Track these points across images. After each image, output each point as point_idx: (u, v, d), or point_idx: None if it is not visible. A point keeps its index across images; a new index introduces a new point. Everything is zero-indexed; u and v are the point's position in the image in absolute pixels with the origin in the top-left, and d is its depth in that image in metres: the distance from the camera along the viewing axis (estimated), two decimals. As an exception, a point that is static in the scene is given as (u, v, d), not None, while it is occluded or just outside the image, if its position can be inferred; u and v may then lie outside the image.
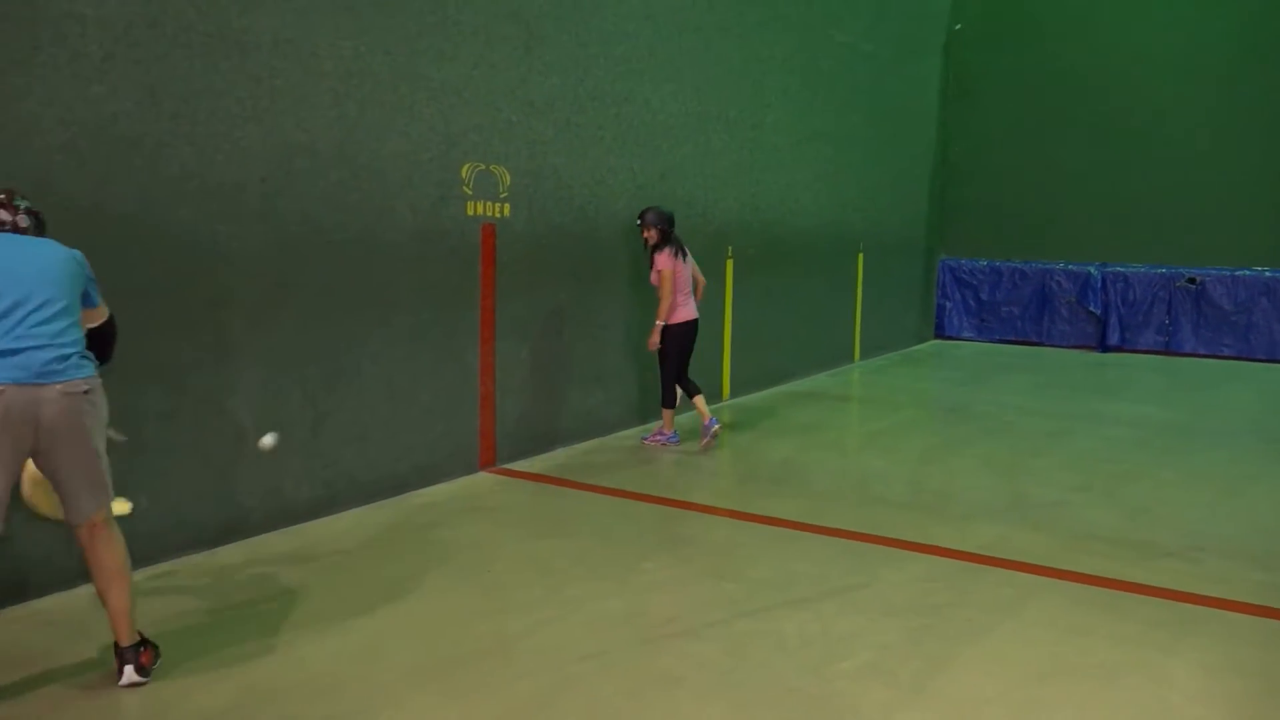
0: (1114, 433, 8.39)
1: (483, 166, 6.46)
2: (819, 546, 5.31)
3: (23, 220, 3.55)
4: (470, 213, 6.39)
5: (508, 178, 6.66)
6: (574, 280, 7.35)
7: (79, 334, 3.51)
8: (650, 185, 8.09)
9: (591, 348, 7.60)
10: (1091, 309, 13.85)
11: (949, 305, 14.89)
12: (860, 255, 12.12)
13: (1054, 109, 14.14)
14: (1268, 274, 12.96)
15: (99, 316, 3.74)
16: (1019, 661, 3.93)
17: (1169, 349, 13.48)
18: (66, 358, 3.39)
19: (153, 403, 4.70)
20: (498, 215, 6.60)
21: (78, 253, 3.59)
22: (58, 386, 3.34)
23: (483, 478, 6.51)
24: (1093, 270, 13.84)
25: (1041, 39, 14.28)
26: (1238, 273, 13.13)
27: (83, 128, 4.36)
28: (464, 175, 6.32)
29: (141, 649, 3.61)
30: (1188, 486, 6.71)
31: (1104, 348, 13.77)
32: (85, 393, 3.42)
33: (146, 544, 4.71)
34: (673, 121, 8.34)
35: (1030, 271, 14.31)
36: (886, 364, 12.44)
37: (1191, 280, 13.34)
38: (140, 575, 4.62)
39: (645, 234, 7.25)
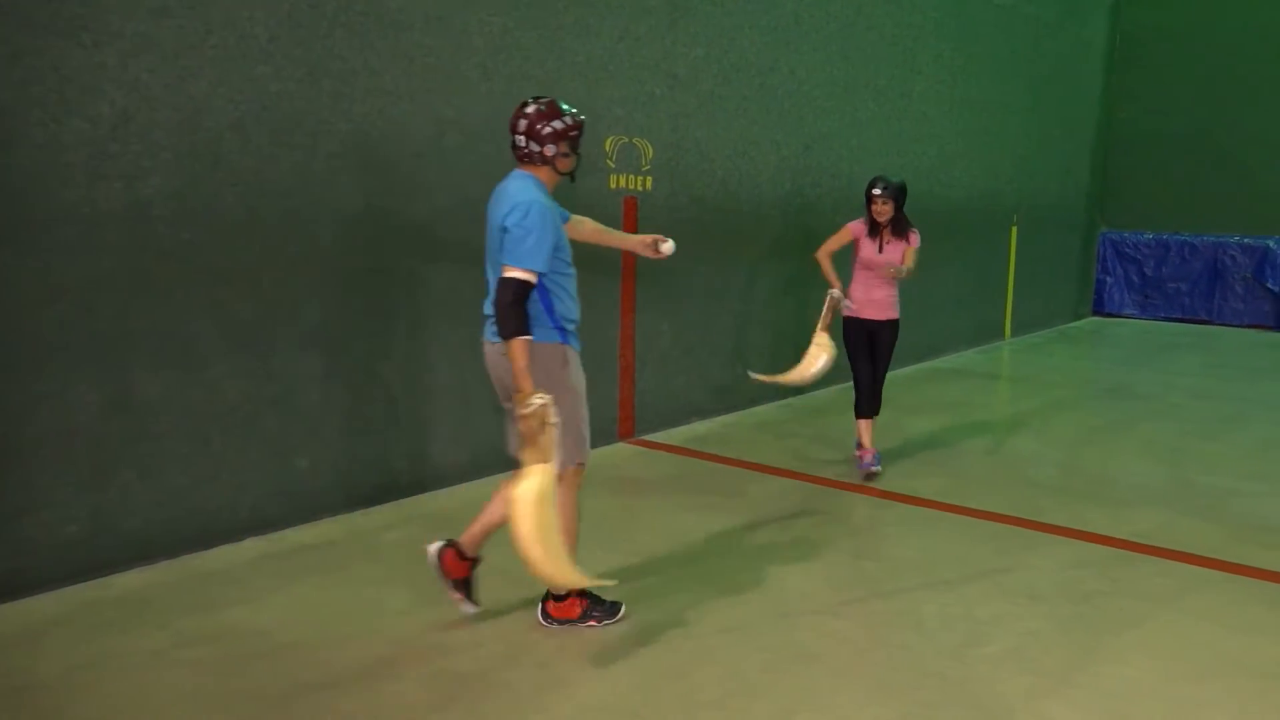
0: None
1: (626, 140, 6.49)
2: (963, 528, 5.16)
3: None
4: (613, 186, 6.44)
5: (650, 151, 6.67)
6: (715, 254, 7.32)
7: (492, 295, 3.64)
8: (794, 157, 7.97)
9: (730, 322, 7.57)
10: (1270, 285, 12.90)
11: (1109, 280, 14.15)
12: (1014, 228, 11.64)
13: (1230, 69, 13.18)
14: None
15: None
16: (1175, 656, 3.73)
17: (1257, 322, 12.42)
18: (487, 317, 3.75)
19: (313, 368, 4.94)
20: (640, 189, 6.63)
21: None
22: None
23: (622, 448, 6.59)
24: (1272, 244, 12.88)
25: (1219, -4, 13.32)
26: None
27: (249, 107, 4.59)
28: (607, 148, 6.37)
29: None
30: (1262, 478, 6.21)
31: (1279, 327, 12.84)
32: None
33: (306, 502, 4.98)
34: (818, 91, 8.17)
35: (1200, 245, 13.44)
36: (1040, 341, 11.94)
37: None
38: (301, 531, 4.89)
39: (882, 207, 5.86)
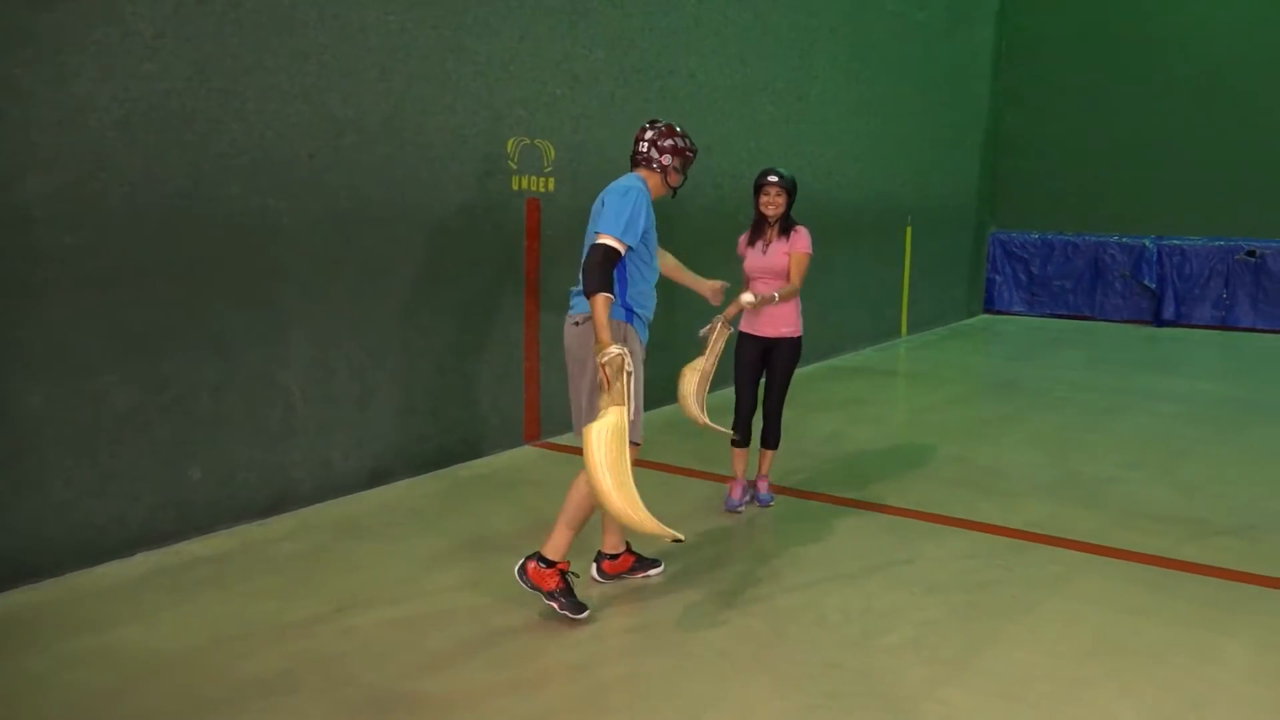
0: (1168, 409, 8.23)
1: (527, 141, 6.47)
2: (863, 522, 5.29)
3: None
4: (515, 187, 6.41)
5: (552, 152, 6.66)
6: (619, 254, 7.33)
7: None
8: (695, 159, 8.03)
9: (636, 322, 7.60)
10: (1146, 283, 13.56)
11: (999, 279, 14.67)
12: (909, 228, 11.97)
13: (1110, 77, 13.81)
14: (1332, 246, 12.59)
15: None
16: (1065, 639, 3.89)
17: (1226, 324, 13.17)
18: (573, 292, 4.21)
19: (207, 374, 4.79)
20: (542, 190, 6.61)
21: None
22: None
23: (527, 451, 6.57)
24: (1148, 243, 13.54)
25: (1097, 5, 13.93)
26: (1300, 245, 12.77)
27: (135, 105, 4.43)
28: (509, 150, 6.34)
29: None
30: (1243, 464, 6.57)
31: (1159, 322, 13.49)
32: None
33: (200, 513, 4.83)
34: (718, 94, 8.27)
35: (1083, 244, 14.04)
36: (935, 339, 12.30)
37: (1251, 253, 13.00)
38: (192, 544, 4.74)
39: (775, 198, 5.34)
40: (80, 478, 4.36)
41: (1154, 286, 13.52)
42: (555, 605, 3.94)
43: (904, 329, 12.19)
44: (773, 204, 5.33)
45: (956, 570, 4.60)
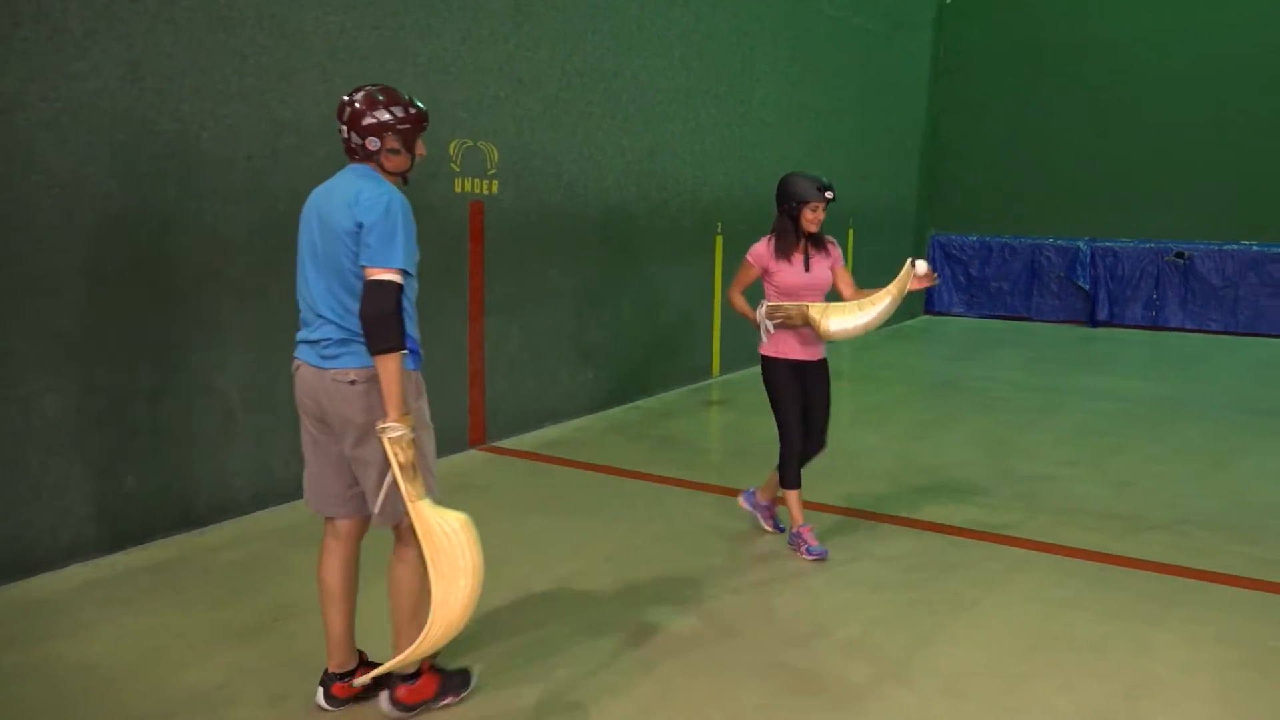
0: (1102, 407, 8.43)
1: (470, 143, 6.43)
2: (809, 521, 5.32)
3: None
4: (458, 190, 6.36)
5: (495, 154, 6.62)
6: (562, 257, 7.33)
7: None
8: (639, 162, 8.07)
9: (580, 325, 7.60)
10: (1081, 283, 13.88)
11: (939, 281, 14.89)
12: (850, 231, 12.11)
13: (1044, 83, 14.11)
14: (1255, 248, 13.00)
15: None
16: (1005, 634, 3.96)
17: (1157, 324, 13.53)
18: (309, 342, 3.22)
19: (141, 381, 4.68)
20: (485, 192, 6.57)
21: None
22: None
23: (472, 455, 6.52)
24: (1082, 245, 13.86)
25: (1032, 12, 14.24)
26: (1225, 247, 13.17)
27: (65, 104, 4.32)
28: (451, 152, 6.29)
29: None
30: (1175, 460, 6.75)
31: (1093, 322, 13.82)
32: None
33: (136, 523, 4.72)
34: (661, 97, 8.30)
35: (1020, 247, 14.32)
36: (877, 340, 12.46)
37: (1180, 255, 13.37)
38: (128, 555, 4.63)
39: (821, 214, 4.81)
40: (10, 488, 4.24)
41: (1088, 287, 13.84)
42: (450, 699, 3.34)
43: (846, 330, 12.31)
44: (818, 219, 4.75)
45: (900, 568, 4.66)
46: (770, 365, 4.84)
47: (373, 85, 3.20)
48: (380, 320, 2.93)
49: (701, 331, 9.18)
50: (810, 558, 4.71)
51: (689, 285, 8.92)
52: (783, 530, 5.06)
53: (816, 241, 4.84)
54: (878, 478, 6.22)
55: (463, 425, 6.57)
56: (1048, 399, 8.80)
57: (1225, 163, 13.10)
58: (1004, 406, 8.45)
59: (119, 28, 4.49)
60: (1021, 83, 14.27)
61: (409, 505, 2.99)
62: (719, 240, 9.21)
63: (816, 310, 4.68)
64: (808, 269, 4.78)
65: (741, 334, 9.77)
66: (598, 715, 3.31)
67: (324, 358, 3.11)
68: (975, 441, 7.22)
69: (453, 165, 6.30)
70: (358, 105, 3.12)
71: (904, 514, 5.45)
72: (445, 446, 6.40)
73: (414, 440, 2.97)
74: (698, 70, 8.76)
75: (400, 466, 2.94)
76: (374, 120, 3.10)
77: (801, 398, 4.81)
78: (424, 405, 3.20)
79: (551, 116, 7.10)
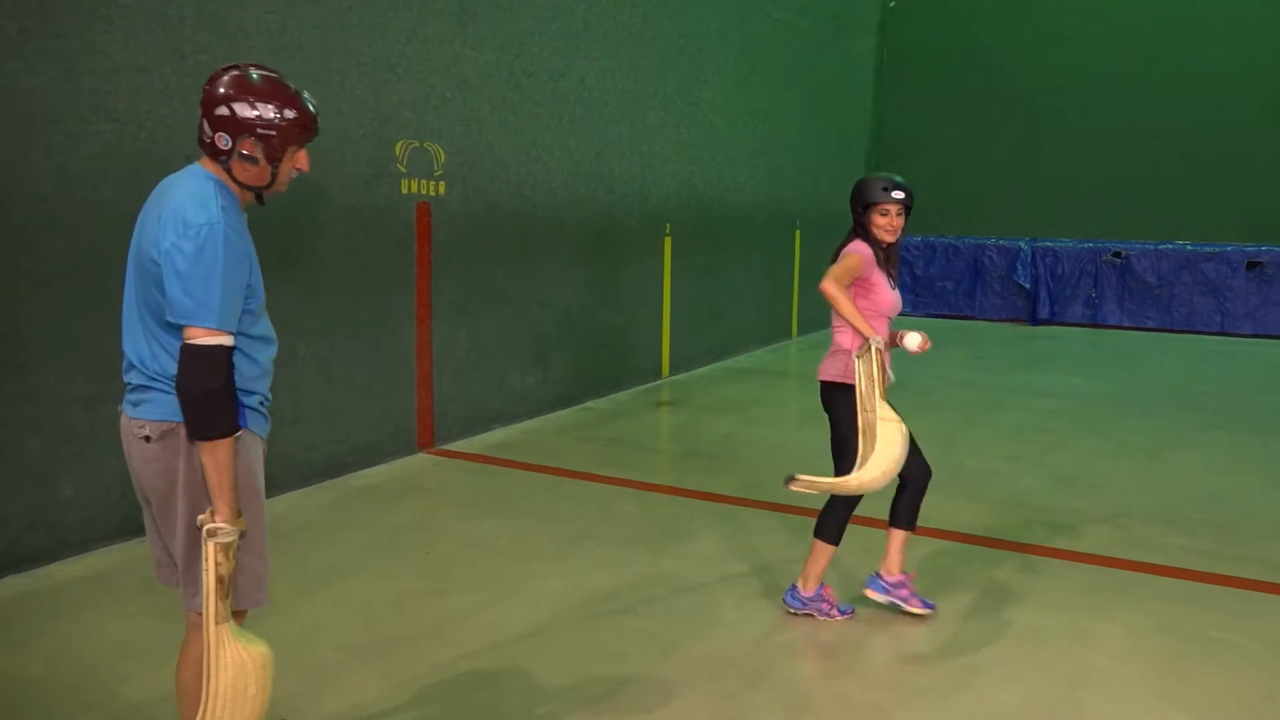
0: (1044, 404, 8.59)
1: (417, 144, 6.37)
2: (758, 520, 5.36)
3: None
4: (404, 191, 6.31)
5: (442, 155, 6.58)
6: (511, 259, 7.30)
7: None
8: (587, 163, 8.06)
9: (529, 327, 7.57)
10: (1022, 283, 14.14)
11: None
12: (797, 232, 12.22)
13: (986, 87, 14.36)
14: (1189, 248, 13.34)
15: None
16: (951, 629, 4.02)
17: (1095, 321, 13.83)
18: (133, 386, 2.58)
19: (80, 387, 4.58)
20: (433, 193, 6.52)
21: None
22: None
23: (421, 458, 6.47)
24: (1023, 245, 14.12)
25: (974, 17, 14.49)
26: (1160, 247, 13.50)
27: (-3, 104, 4.21)
28: (398, 153, 6.23)
29: None
30: (1114, 455, 6.90)
31: (1034, 321, 14.08)
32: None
33: (76, 532, 4.61)
34: (609, 98, 8.30)
35: (963, 247, 14.55)
36: (824, 339, 12.54)
37: (1117, 255, 13.68)
38: (66, 565, 4.52)
39: (898, 219, 4.05)
40: (-60, 498, 4.11)
41: (1029, 287, 14.11)
42: None
43: (794, 330, 12.42)
44: (894, 227, 4.01)
45: (848, 566, 4.71)
46: (848, 396, 4.02)
47: (256, 67, 2.49)
48: (204, 399, 2.32)
49: (651, 332, 9.20)
50: (924, 610, 4.09)
51: (638, 286, 8.93)
52: (934, 606, 4.14)
53: (890, 256, 4.08)
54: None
55: (410, 428, 6.51)
56: (991, 396, 8.95)
57: (1160, 165, 13.44)
58: (949, 404, 8.58)
59: (53, 25, 4.39)
60: (963, 86, 14.51)
61: (210, 627, 2.40)
62: (668, 241, 9.23)
63: (886, 436, 3.85)
64: (893, 288, 4.07)
65: (691, 334, 9.83)
66: (557, 716, 3.30)
67: (129, 402, 2.53)
68: (921, 439, 7.26)
69: (399, 166, 6.24)
70: (219, 88, 2.44)
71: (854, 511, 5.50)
72: (393, 450, 6.36)
73: (236, 548, 2.41)
74: (645, 72, 8.77)
75: (218, 579, 2.37)
76: (228, 113, 2.42)
77: None
78: (258, 476, 2.59)
79: (499, 117, 7.07)
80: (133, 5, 4.68)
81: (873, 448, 3.80)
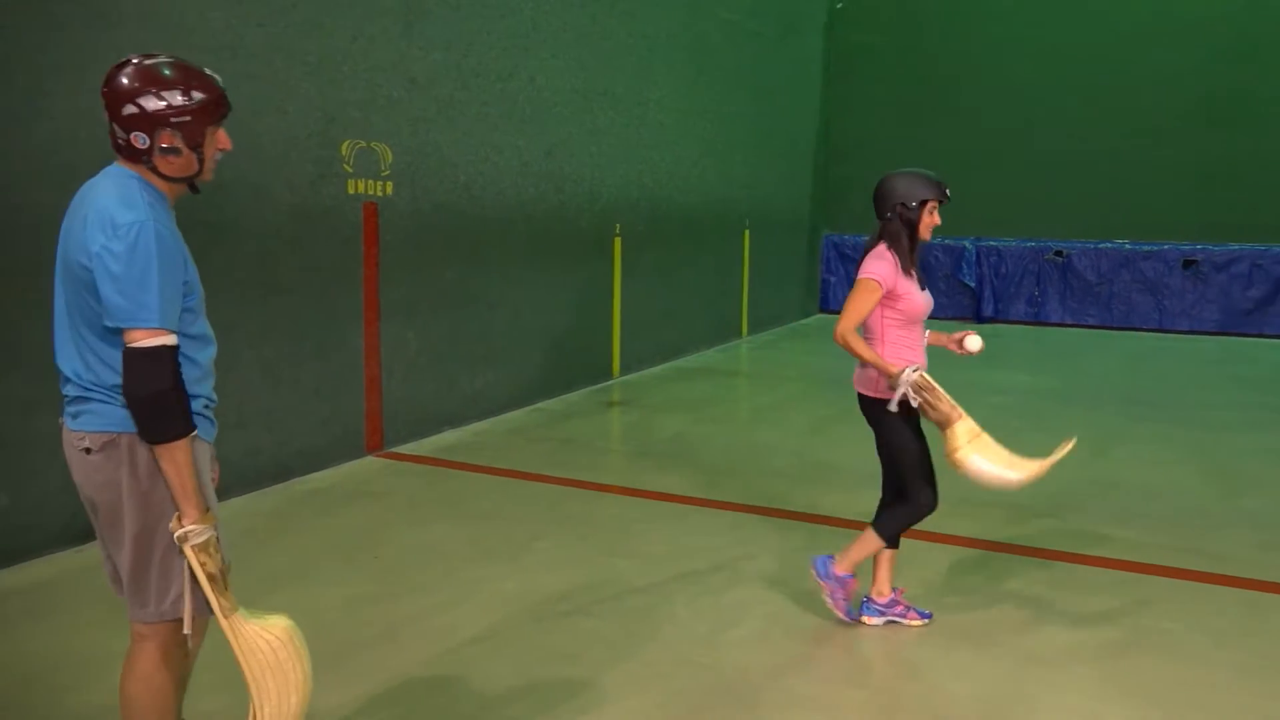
0: (988, 400, 8.72)
1: (363, 144, 6.31)
2: (709, 520, 5.39)
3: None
4: (351, 191, 6.24)
5: (389, 155, 6.52)
6: (460, 259, 7.25)
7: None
8: (536, 163, 8.04)
9: (480, 328, 7.53)
10: (967, 281, 14.36)
11: (833, 280, 15.25)
12: (746, 232, 12.28)
13: (931, 88, 14.55)
14: (1128, 247, 13.65)
15: None
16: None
17: (1038, 319, 14.10)
18: (70, 399, 2.50)
19: (15, 392, 4.46)
20: (380, 194, 6.46)
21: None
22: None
23: (370, 462, 6.40)
24: (968, 245, 14.35)
25: (919, 19, 14.67)
26: (1100, 246, 13.79)
27: (-74, 102, 4.10)
28: (344, 153, 6.17)
29: None
30: (1053, 450, 7.02)
31: (979, 318, 14.31)
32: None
33: (11, 540, 4.49)
34: (558, 98, 8.28)
35: (910, 246, 14.73)
36: (774, 338, 12.67)
37: (1058, 254, 13.96)
38: (3, 575, 4.41)
39: (938, 216, 4.12)
40: None
41: (974, 285, 14.34)
42: None
43: (744, 329, 12.50)
44: (935, 225, 4.07)
45: (799, 563, 4.74)
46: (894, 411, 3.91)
47: (148, 56, 2.39)
48: (154, 402, 2.26)
49: (602, 332, 9.20)
50: (922, 621, 4.04)
51: (588, 286, 8.93)
52: (855, 619, 4.06)
53: (916, 256, 4.00)
54: (776, 474, 6.32)
55: (359, 431, 6.44)
56: (938, 394, 9.07)
57: (1099, 166, 13.72)
58: (897, 402, 8.67)
59: (-15, 21, 4.28)
60: (909, 87, 14.69)
61: (222, 621, 2.42)
62: (618, 241, 9.23)
63: (965, 431, 3.83)
64: (924, 289, 3.98)
65: (642, 334, 9.84)
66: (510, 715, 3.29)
67: (69, 415, 2.45)
68: (868, 436, 7.38)
69: (345, 166, 6.18)
70: (119, 86, 2.33)
71: (802, 509, 5.56)
72: (342, 454, 6.29)
73: (218, 541, 2.41)
74: (594, 71, 8.77)
75: (209, 577, 2.36)
76: (137, 110, 2.33)
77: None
78: (208, 478, 2.54)
79: (447, 117, 7.02)
80: (72, 2, 4.58)
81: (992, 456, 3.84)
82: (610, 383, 9.22)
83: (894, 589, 4.10)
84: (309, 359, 6.01)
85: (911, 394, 3.79)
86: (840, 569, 4.00)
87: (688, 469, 6.41)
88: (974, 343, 3.99)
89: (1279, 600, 4.37)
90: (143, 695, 2.51)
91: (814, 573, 4.05)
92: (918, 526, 5.13)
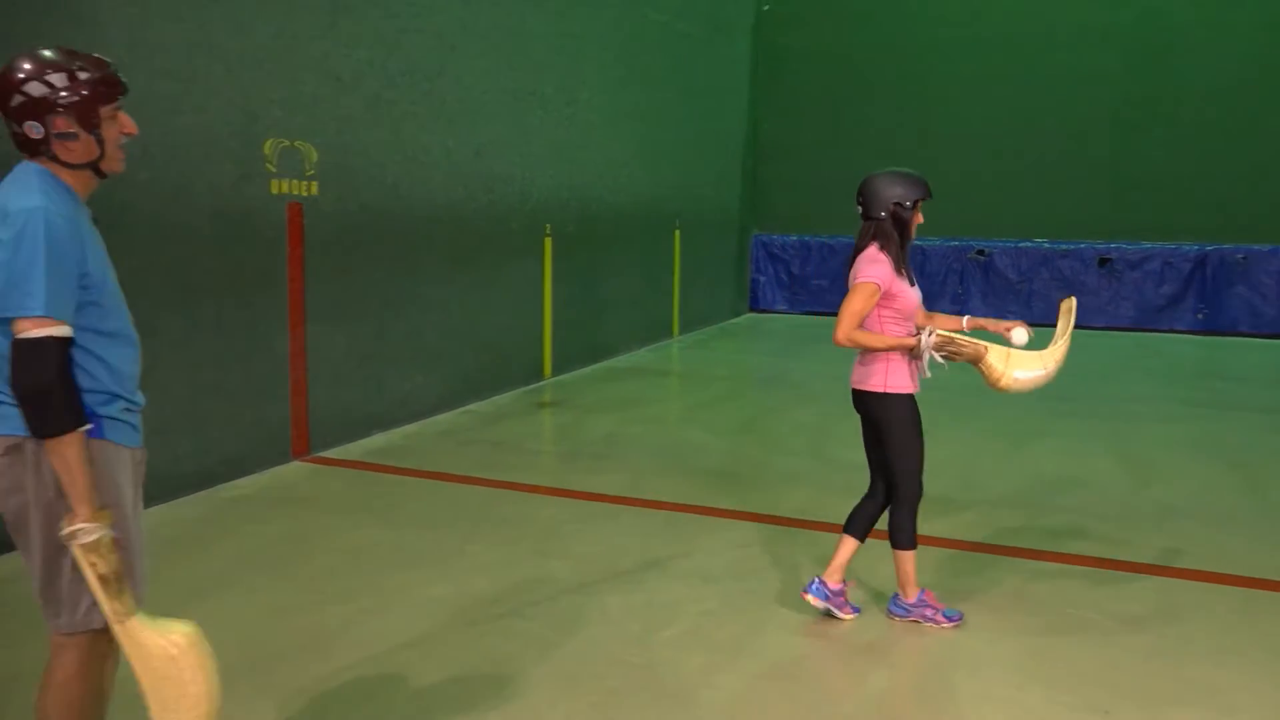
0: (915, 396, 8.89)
1: (287, 143, 6.20)
2: (641, 519, 5.41)
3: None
4: (275, 191, 6.12)
5: (314, 155, 6.41)
6: (388, 260, 7.16)
7: None
8: (465, 163, 7.98)
9: (408, 330, 7.45)
10: (893, 281, 14.61)
11: (762, 279, 15.40)
12: (677, 232, 12.34)
13: (856, 89, 14.78)
14: (1046, 246, 14.02)
15: None
16: (829, 618, 4.13)
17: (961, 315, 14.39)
18: None
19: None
20: (305, 194, 6.35)
21: None
22: None
23: (297, 467, 6.29)
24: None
25: (845, 21, 14.88)
26: (1021, 245, 14.14)
27: None
28: (267, 152, 6.05)
29: None
30: (979, 444, 7.20)
31: (905, 317, 14.57)
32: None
33: (-83, 555, 4.33)
34: (487, 98, 8.23)
35: (838, 245, 14.94)
36: (705, 338, 12.75)
37: (980, 252, 14.28)
38: (-89, 590, 4.24)
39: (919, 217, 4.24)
40: None
41: (900, 284, 14.60)
42: None
43: (676, 329, 12.55)
44: (918, 221, 4.19)
45: (730, 560, 4.79)
46: (899, 403, 4.08)
47: (28, 50, 2.35)
48: (38, 395, 2.19)
49: (532, 333, 9.16)
50: (952, 623, 4.02)
51: (519, 287, 8.89)
52: (859, 610, 4.17)
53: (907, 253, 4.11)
54: (706, 473, 6.36)
55: (285, 436, 6.32)
56: (865, 391, 9.22)
57: (1019, 168, 14.07)
58: (826, 399, 8.80)
59: (-117, 14, 4.11)
60: (835, 89, 14.90)
61: (115, 628, 2.32)
62: (548, 242, 9.21)
63: (998, 355, 3.99)
64: (914, 285, 4.09)
65: (573, 335, 9.83)
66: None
67: None
68: (799, 433, 7.50)
69: (269, 166, 6.06)
70: (4, 79, 2.30)
71: (733, 507, 5.60)
72: (267, 459, 6.17)
73: (115, 540, 2.30)
74: (522, 71, 8.73)
75: (100, 579, 2.26)
76: (24, 99, 2.28)
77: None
78: (126, 484, 2.48)
79: (373, 116, 6.93)
80: (-26, -5, 4.43)
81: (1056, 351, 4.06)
82: (541, 384, 9.19)
83: (844, 582, 4.15)
84: (232, 363, 5.89)
85: (938, 356, 3.98)
86: (910, 596, 4.06)
87: (620, 469, 6.42)
88: (1020, 336, 4.13)
89: (1189, 585, 4.54)
90: (58, 706, 2.43)
91: (898, 615, 4.08)
92: (839, 523, 5.20)
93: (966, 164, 14.28)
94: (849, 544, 4.15)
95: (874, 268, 3.96)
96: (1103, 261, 13.74)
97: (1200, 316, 13.44)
